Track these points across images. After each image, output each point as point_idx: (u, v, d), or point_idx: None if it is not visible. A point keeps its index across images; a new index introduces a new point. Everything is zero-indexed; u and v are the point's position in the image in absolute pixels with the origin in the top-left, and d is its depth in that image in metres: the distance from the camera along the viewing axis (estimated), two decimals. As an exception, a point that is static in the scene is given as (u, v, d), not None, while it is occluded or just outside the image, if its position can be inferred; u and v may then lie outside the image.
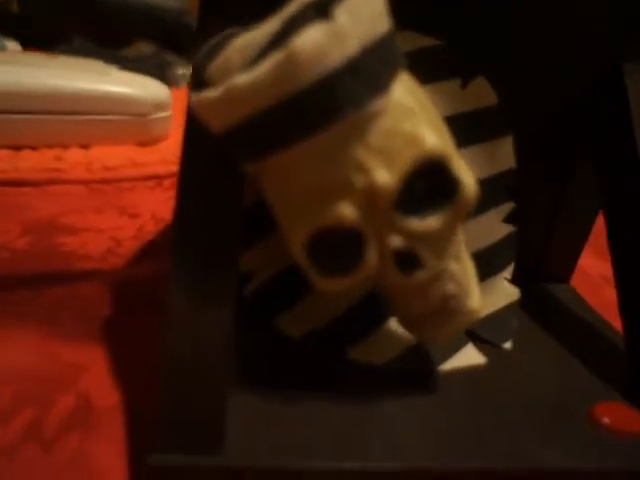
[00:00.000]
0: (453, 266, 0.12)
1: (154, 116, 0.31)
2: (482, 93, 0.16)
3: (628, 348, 0.15)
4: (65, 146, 0.29)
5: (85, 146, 0.29)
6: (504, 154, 0.17)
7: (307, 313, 0.15)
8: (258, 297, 0.16)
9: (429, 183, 0.11)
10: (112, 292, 0.18)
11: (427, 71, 0.15)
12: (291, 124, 0.10)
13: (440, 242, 0.12)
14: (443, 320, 0.13)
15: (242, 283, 0.16)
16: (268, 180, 0.12)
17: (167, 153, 0.31)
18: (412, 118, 0.11)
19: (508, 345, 0.16)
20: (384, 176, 0.11)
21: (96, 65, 0.30)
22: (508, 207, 0.18)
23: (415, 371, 0.14)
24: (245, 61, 0.11)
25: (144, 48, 0.57)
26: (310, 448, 0.11)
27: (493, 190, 0.17)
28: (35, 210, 0.23)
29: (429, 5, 0.15)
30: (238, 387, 0.13)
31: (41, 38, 0.61)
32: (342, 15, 0.10)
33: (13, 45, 0.47)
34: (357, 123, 0.10)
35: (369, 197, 0.11)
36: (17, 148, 0.28)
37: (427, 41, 0.15)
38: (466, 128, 0.16)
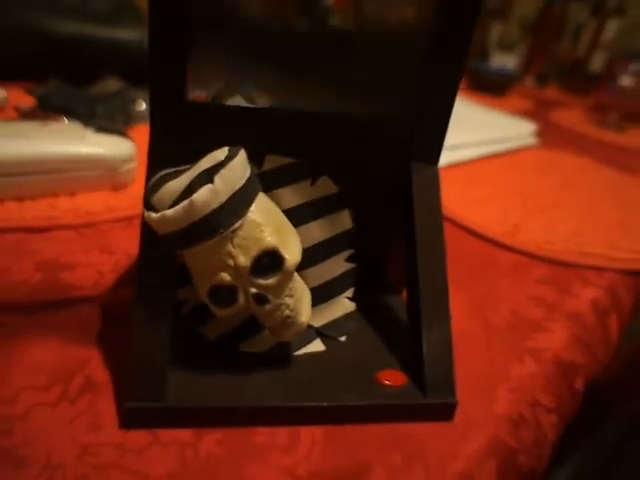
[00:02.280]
0: (288, 300, 0.23)
1: (123, 168, 0.41)
2: (326, 186, 0.28)
3: (410, 336, 0.27)
4: (56, 195, 0.39)
5: (72, 194, 0.40)
6: (343, 222, 0.29)
7: (217, 325, 0.26)
8: (189, 314, 0.27)
9: (269, 260, 0.22)
10: (101, 310, 0.29)
11: (287, 177, 0.26)
12: (193, 237, 0.21)
13: (278, 289, 0.23)
14: (287, 329, 0.24)
15: (180, 306, 0.27)
16: (187, 259, 0.23)
17: (134, 196, 0.41)
18: (258, 227, 0.22)
19: (343, 338, 0.28)
20: (242, 260, 0.22)
21: (76, 129, 0.40)
22: (348, 252, 0.29)
23: (279, 355, 0.26)
24: (171, 200, 0.22)
25: (112, 85, 0.66)
26: (216, 394, 0.23)
27: (335, 244, 0.29)
28: (41, 252, 0.34)
29: (288, 142, 0.26)
30: (177, 365, 0.24)
31: (17, 77, 0.69)
32: (218, 181, 0.21)
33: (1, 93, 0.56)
34: (227, 234, 0.22)
35: (236, 269, 0.22)
36: (20, 199, 0.38)
37: (287, 160, 0.26)
38: (315, 209, 0.28)
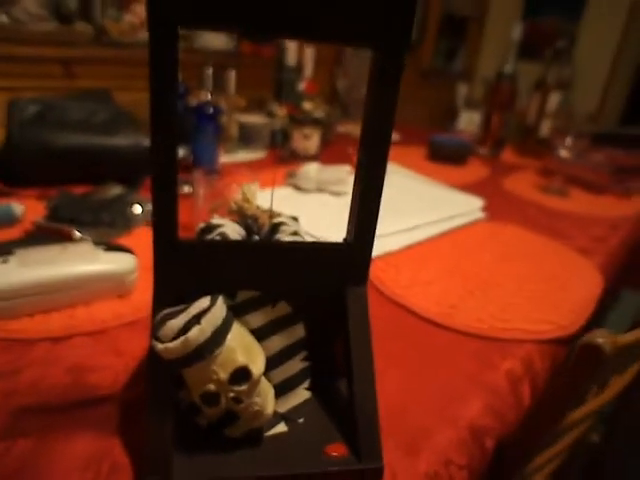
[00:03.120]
0: (256, 399, 0.33)
1: (128, 279, 0.52)
2: (283, 308, 0.38)
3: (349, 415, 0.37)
4: (74, 307, 0.49)
5: (87, 304, 0.50)
6: (297, 332, 0.39)
7: (206, 417, 0.36)
8: (186, 409, 0.36)
9: (241, 374, 0.32)
10: (119, 406, 0.39)
11: (254, 305, 0.37)
12: (187, 361, 0.32)
13: (249, 393, 0.33)
14: (257, 419, 0.34)
15: (179, 403, 0.37)
16: (184, 373, 0.33)
17: (136, 302, 0.52)
18: (232, 351, 0.32)
19: (301, 420, 0.38)
20: (222, 375, 0.32)
21: (89, 250, 0.51)
22: (303, 354, 0.39)
23: (253, 437, 0.35)
24: (172, 335, 0.32)
25: (112, 190, 0.77)
26: (208, 469, 0.32)
27: (293, 349, 0.39)
28: (67, 358, 0.43)
29: (253, 276, 0.37)
30: (179, 447, 0.33)
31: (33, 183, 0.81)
32: (204, 323, 0.32)
33: (19, 208, 0.67)
34: (212, 358, 0.32)
35: (218, 381, 0.32)
36: (46, 312, 0.48)
37: (253, 293, 0.37)
38: (276, 326, 0.38)
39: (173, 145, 0.32)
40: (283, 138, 1.20)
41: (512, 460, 0.43)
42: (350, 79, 1.85)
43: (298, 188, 0.92)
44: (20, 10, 1.11)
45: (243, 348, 0.33)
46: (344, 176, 0.90)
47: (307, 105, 1.30)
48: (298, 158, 1.14)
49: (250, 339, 0.35)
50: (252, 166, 1.08)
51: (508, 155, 1.51)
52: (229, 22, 0.30)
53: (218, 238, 0.40)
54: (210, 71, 1.11)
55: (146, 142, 0.91)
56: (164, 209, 0.34)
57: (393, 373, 0.47)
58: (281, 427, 0.37)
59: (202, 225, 0.44)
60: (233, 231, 0.42)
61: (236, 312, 0.36)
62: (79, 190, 0.82)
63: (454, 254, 0.74)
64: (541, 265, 0.74)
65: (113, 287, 0.52)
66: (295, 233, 0.43)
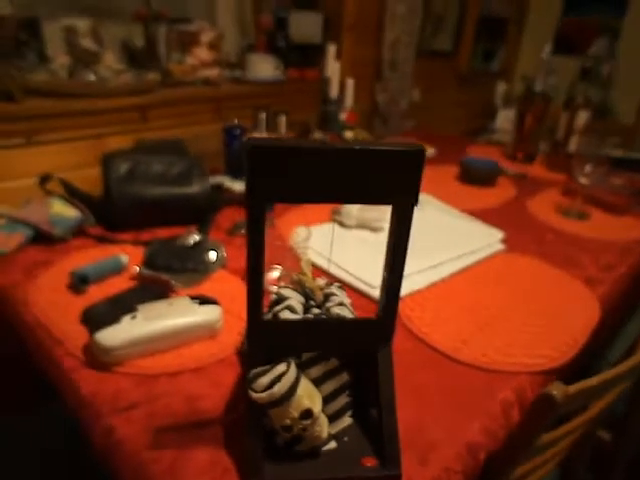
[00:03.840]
0: (317, 428, 0.52)
1: (217, 325, 0.71)
2: (333, 363, 0.56)
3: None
4: (179, 348, 0.69)
5: (189, 346, 0.69)
6: (343, 377, 0.57)
7: (282, 438, 0.54)
8: (269, 432, 0.55)
9: (307, 412, 0.50)
10: (222, 424, 0.58)
11: (313, 362, 0.55)
12: (272, 405, 0.50)
13: (312, 425, 0.51)
14: (316, 440, 0.52)
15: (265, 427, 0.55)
16: (269, 412, 0.51)
17: (223, 343, 0.71)
18: (301, 398, 0.50)
19: (346, 439, 0.56)
20: (295, 414, 0.50)
21: (189, 305, 0.70)
22: (347, 392, 0.57)
23: (313, 452, 0.54)
24: (262, 389, 0.50)
25: (192, 237, 0.97)
26: (285, 474, 0.51)
27: (340, 390, 0.57)
28: (183, 389, 0.62)
29: (313, 344, 0.54)
30: (266, 457, 0.52)
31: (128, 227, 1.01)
32: (283, 382, 0.50)
33: (124, 258, 0.87)
34: (287, 404, 0.50)
35: (292, 418, 0.50)
36: (162, 353, 0.68)
37: (313, 354, 0.55)
38: (328, 375, 0.56)
39: (261, 265, 0.50)
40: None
41: (497, 469, 0.59)
42: (389, 93, 1.98)
43: (341, 224, 1.09)
44: (103, 67, 1.31)
45: (308, 395, 0.51)
46: (382, 215, 1.05)
47: (348, 134, 1.46)
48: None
49: (311, 387, 0.53)
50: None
51: (537, 169, 1.61)
52: (300, 198, 0.47)
53: (287, 311, 0.58)
54: (264, 115, 1.28)
55: (210, 187, 1.09)
56: (255, 302, 0.52)
57: (412, 399, 0.64)
58: (332, 444, 0.55)
59: (274, 296, 0.62)
60: (297, 302, 0.60)
61: (301, 367, 0.54)
62: (162, 233, 1.02)
63: (471, 290, 0.89)
64: (548, 298, 0.88)
65: (207, 331, 0.71)
66: (341, 303, 0.61)
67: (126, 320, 0.67)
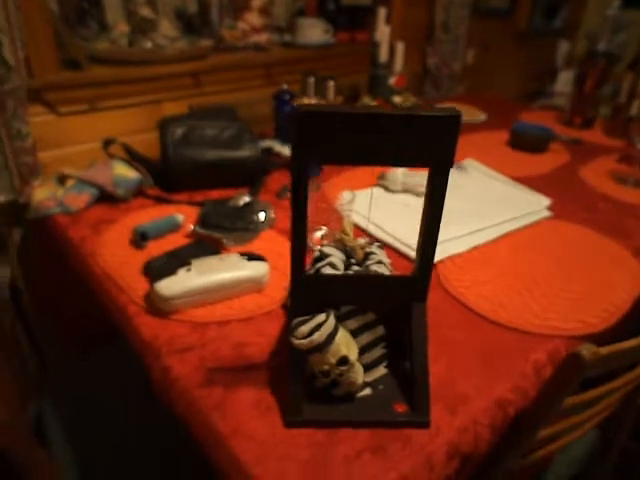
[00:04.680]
0: (352, 374, 0.56)
1: (264, 280, 0.76)
2: (370, 316, 0.60)
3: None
4: (231, 299, 0.74)
5: (238, 298, 0.75)
6: (379, 331, 0.60)
7: (321, 383, 0.59)
8: (310, 377, 0.60)
9: (344, 359, 0.55)
10: (267, 368, 0.63)
11: (351, 315, 0.59)
12: (311, 351, 0.55)
13: (348, 371, 0.55)
14: (353, 386, 0.57)
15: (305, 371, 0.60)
16: (309, 358, 0.55)
17: (270, 296, 0.76)
18: (338, 347, 0.55)
19: (381, 387, 0.60)
20: (332, 360, 0.55)
21: (238, 261, 0.75)
22: (383, 344, 0.61)
23: (350, 396, 0.58)
24: (303, 336, 0.54)
25: (242, 199, 1.01)
26: (325, 413, 0.56)
27: (376, 342, 0.61)
28: (233, 337, 0.68)
29: (352, 296, 0.58)
30: (307, 398, 0.57)
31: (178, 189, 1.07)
32: (322, 331, 0.54)
33: (180, 218, 0.93)
34: (326, 350, 0.54)
35: (330, 364, 0.55)
36: (212, 304, 0.74)
37: (350, 307, 0.59)
38: (365, 327, 0.60)
39: (303, 223, 0.54)
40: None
41: (526, 427, 0.62)
42: (441, 56, 1.93)
43: (387, 189, 1.11)
44: (159, 35, 1.36)
45: (345, 344, 0.55)
46: (425, 180, 1.06)
47: (396, 98, 1.45)
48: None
49: (349, 337, 0.57)
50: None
51: (595, 135, 1.55)
52: (341, 160, 0.50)
53: (328, 267, 0.61)
54: (312, 80, 1.30)
55: (260, 151, 1.13)
56: (298, 258, 0.56)
57: (445, 355, 0.67)
58: (367, 391, 0.59)
59: (317, 254, 0.66)
60: (338, 259, 0.64)
61: (340, 319, 0.58)
62: (215, 194, 1.07)
63: (512, 255, 0.90)
64: (592, 266, 0.87)
65: (255, 286, 0.76)
66: (380, 262, 0.64)
67: (182, 272, 0.73)
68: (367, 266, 0.64)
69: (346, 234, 0.68)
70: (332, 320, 0.55)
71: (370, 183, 1.14)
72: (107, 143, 1.11)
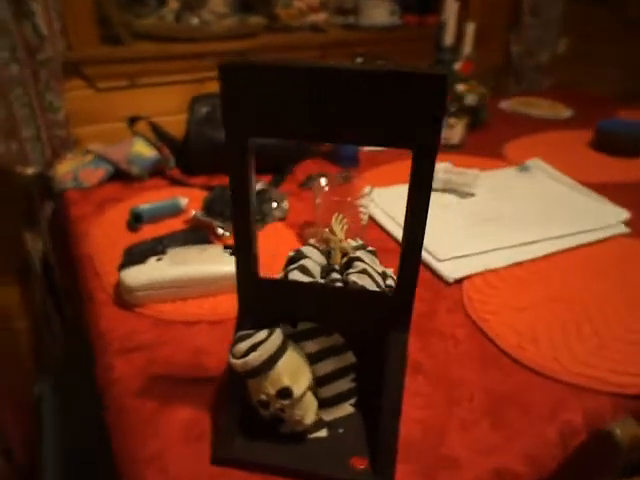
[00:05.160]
0: (297, 411, 0.44)
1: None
2: (336, 339, 0.47)
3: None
4: (204, 297, 0.65)
5: (213, 296, 0.65)
6: (348, 358, 0.47)
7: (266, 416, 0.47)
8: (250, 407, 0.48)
9: (286, 392, 0.43)
10: (218, 384, 0.53)
11: (312, 335, 0.46)
12: (248, 376, 0.43)
13: (290, 406, 0.43)
14: (297, 425, 0.44)
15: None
16: (247, 384, 0.44)
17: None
18: (280, 374, 0.43)
19: (341, 430, 0.47)
20: (271, 390, 0.43)
21: (220, 254, 0.65)
22: (352, 376, 0.48)
23: (299, 436, 0.46)
24: (239, 355, 0.43)
25: (257, 185, 0.92)
26: (262, 454, 0.44)
27: (344, 371, 0.47)
28: (193, 340, 0.59)
29: (313, 312, 0.46)
30: (245, 429, 0.46)
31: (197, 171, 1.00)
32: (260, 351, 0.42)
33: (183, 202, 0.85)
34: (263, 376, 0.42)
35: (268, 395, 0.43)
36: (183, 300, 0.64)
37: (312, 324, 0.46)
38: (329, 352, 0.47)
39: (247, 215, 0.43)
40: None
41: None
42: (526, 44, 1.70)
43: (425, 186, 0.95)
44: (208, 11, 1.30)
45: (290, 372, 0.43)
46: (470, 180, 0.90)
47: (460, 87, 1.28)
48: (441, 148, 1.14)
49: (300, 364, 0.45)
50: (392, 155, 1.12)
51: None
52: (287, 133, 0.38)
53: (297, 272, 0.50)
54: (360, 62, 1.17)
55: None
56: (243, 258, 0.45)
57: (443, 398, 0.52)
58: (323, 433, 0.47)
59: (291, 253, 0.54)
60: (314, 263, 0.52)
61: (296, 338, 0.46)
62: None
63: (565, 277, 0.71)
64: (672, 302, 0.67)
65: (233, 284, 0.65)
66: (364, 271, 0.51)
67: (151, 262, 0.64)
68: (347, 274, 0.51)
69: (333, 233, 0.56)
70: (276, 340, 0.43)
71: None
72: (132, 120, 1.06)
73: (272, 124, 0.38)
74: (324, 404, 0.47)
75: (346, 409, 0.49)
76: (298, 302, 0.47)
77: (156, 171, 1.01)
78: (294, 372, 0.44)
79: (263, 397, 0.43)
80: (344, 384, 0.48)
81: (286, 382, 0.43)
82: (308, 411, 0.45)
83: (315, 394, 0.47)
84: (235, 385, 0.46)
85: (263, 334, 0.43)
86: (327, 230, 0.56)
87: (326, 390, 0.48)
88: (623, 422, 0.37)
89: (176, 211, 0.85)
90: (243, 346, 0.43)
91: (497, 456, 0.47)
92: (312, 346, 0.47)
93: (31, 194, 1.14)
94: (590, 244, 0.79)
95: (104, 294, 0.67)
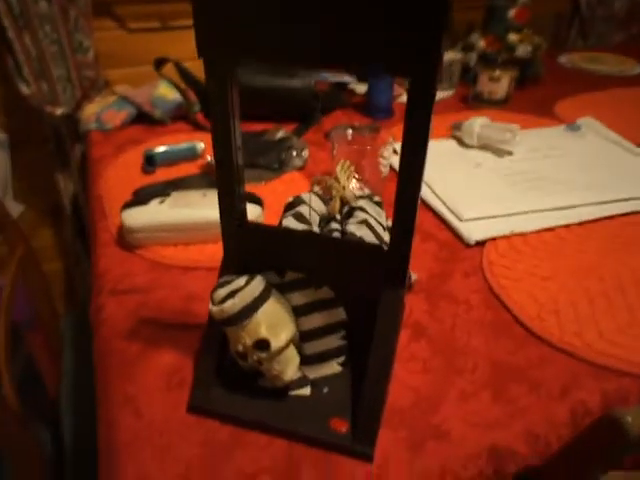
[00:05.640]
0: (275, 366, 0.41)
1: (249, 227, 0.62)
2: (326, 292, 0.43)
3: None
4: (205, 243, 0.62)
5: (214, 242, 0.62)
6: (338, 314, 0.44)
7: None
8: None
9: (263, 344, 0.40)
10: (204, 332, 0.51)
11: (300, 286, 0.43)
12: (225, 324, 0.40)
13: (268, 359, 0.40)
14: (276, 381, 0.42)
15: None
16: (226, 332, 0.41)
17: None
18: (258, 325, 0.40)
19: (325, 389, 0.44)
20: (248, 341, 0.40)
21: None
22: (342, 333, 0.44)
23: (279, 391, 0.43)
24: (218, 301, 0.40)
25: (279, 133, 0.87)
26: (237, 407, 0.42)
27: (333, 327, 0.44)
28: (187, 287, 0.57)
29: (302, 261, 0.42)
30: (224, 380, 0.43)
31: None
32: (237, 299, 0.39)
33: (200, 147, 0.82)
34: (240, 326, 0.40)
35: (245, 345, 0.40)
36: (185, 245, 0.62)
37: (300, 275, 0.43)
38: (317, 306, 0.43)
39: (229, 157, 0.39)
40: (474, 77, 1.11)
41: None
42: (597, -8, 1.53)
43: (460, 142, 0.88)
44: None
45: (269, 324, 0.40)
46: (509, 137, 0.82)
47: (512, 37, 1.16)
48: (482, 103, 1.05)
49: (282, 316, 0.41)
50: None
51: None
52: (262, 55, 0.34)
53: (291, 218, 0.46)
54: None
55: (313, 82, 0.97)
56: (226, 202, 0.41)
57: (444, 365, 0.48)
58: (305, 390, 0.44)
59: (290, 199, 0.50)
60: (312, 211, 0.48)
61: (282, 289, 0.43)
62: (259, 127, 0.94)
63: (601, 247, 0.64)
64: None
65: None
66: (364, 222, 0.46)
67: (153, 204, 0.62)
68: (346, 225, 0.47)
69: (337, 180, 0.51)
70: (256, 288, 0.40)
71: (445, 134, 0.91)
72: (159, 62, 1.03)
73: (254, 44, 0.34)
74: (309, 360, 0.44)
75: (333, 368, 0.46)
76: (286, 250, 0.43)
77: (180, 115, 0.99)
78: (274, 324, 0.41)
79: (240, 347, 0.41)
80: (332, 341, 0.45)
81: (264, 333, 0.40)
82: (288, 366, 0.42)
83: (299, 349, 0.44)
84: (213, 332, 0.44)
85: (242, 281, 0.40)
86: (332, 177, 0.52)
87: (312, 346, 0.44)
88: (635, 408, 0.32)
89: (192, 156, 0.82)
90: (222, 292, 0.40)
91: (495, 432, 0.43)
92: (299, 298, 0.43)
93: (61, 135, 1.15)
94: (633, 213, 0.71)
95: (108, 234, 0.66)
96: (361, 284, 0.42)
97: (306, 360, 0.44)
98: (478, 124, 0.84)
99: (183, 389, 0.45)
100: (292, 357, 0.42)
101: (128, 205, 0.63)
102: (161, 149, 0.80)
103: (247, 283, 0.40)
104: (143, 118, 0.96)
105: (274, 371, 0.41)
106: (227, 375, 0.45)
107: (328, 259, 0.42)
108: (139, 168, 0.81)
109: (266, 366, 0.41)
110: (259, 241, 0.43)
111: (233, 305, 0.39)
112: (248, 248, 0.44)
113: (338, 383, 0.45)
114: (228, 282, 0.41)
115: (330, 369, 0.45)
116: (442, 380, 0.47)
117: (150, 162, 0.78)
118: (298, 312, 0.43)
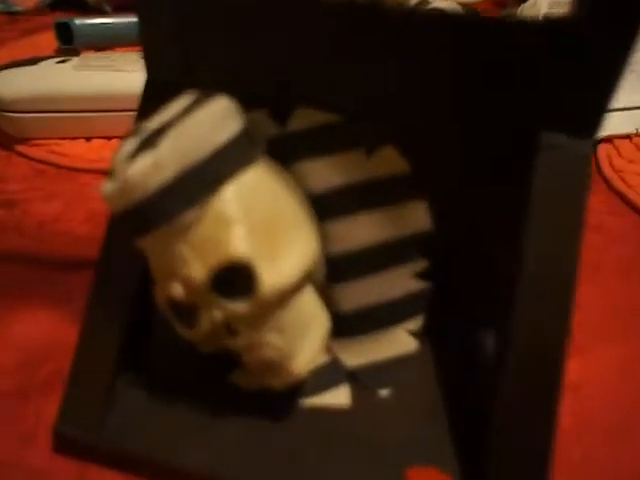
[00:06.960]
0: (271, 337, 0.15)
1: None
2: (390, 161, 0.18)
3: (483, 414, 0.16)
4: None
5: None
6: (414, 218, 0.18)
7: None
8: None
9: (237, 277, 0.14)
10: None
11: (327, 143, 0.17)
12: (132, 224, 0.15)
13: (252, 319, 0.15)
14: (272, 376, 0.16)
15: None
16: (147, 256, 0.16)
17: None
18: (226, 225, 0.14)
19: (385, 392, 0.19)
20: (196, 268, 0.14)
21: (135, 60, 0.36)
22: (419, 265, 0.19)
23: (275, 401, 0.18)
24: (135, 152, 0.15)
25: None
26: (164, 444, 0.17)
27: (400, 250, 0.19)
28: (94, 200, 0.31)
29: (329, 80, 0.16)
30: (132, 387, 0.18)
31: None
32: (165, 147, 0.14)
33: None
34: (177, 228, 0.14)
35: (192, 281, 0.15)
36: (89, 138, 0.36)
37: (328, 116, 0.17)
38: (370, 194, 0.18)
39: None
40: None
41: None
42: None
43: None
44: None
45: (256, 224, 0.15)
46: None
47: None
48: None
49: (285, 211, 0.16)
50: None
51: None
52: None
53: None
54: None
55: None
56: None
57: (612, 351, 0.23)
58: (340, 395, 0.19)
59: None
60: None
61: (287, 151, 0.18)
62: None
63: None
64: None
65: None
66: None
67: (47, 64, 0.36)
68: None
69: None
70: (220, 113, 0.15)
71: None
72: None
73: None
74: (350, 327, 0.19)
75: (399, 341, 0.20)
76: (284, 40, 0.17)
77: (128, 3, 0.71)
78: (269, 228, 0.15)
79: (177, 288, 0.15)
80: (400, 282, 0.19)
81: (242, 248, 0.14)
82: (305, 341, 0.16)
83: (328, 299, 0.18)
84: (118, 265, 0.18)
85: (182, 102, 0.15)
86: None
87: (355, 292, 0.19)
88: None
89: (137, 38, 0.55)
90: (126, 149, 0.15)
91: None
92: (325, 173, 0.18)
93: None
94: None
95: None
96: (477, 131, 0.17)
97: (343, 326, 0.19)
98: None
99: (55, 387, 0.20)
100: (311, 317, 0.17)
101: (5, 67, 0.36)
102: (85, 21, 0.53)
103: (198, 105, 0.14)
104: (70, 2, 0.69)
105: (270, 351, 0.16)
106: (152, 368, 0.19)
107: (401, 69, 0.17)
108: (53, 51, 0.54)
109: (246, 337, 0.15)
110: (221, 15, 0.17)
111: (156, 167, 0.14)
112: (199, 38, 0.18)
113: (410, 377, 0.20)
114: (150, 121, 0.15)
115: (393, 345, 0.20)
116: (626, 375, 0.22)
117: (65, 37, 0.51)
118: (324, 209, 0.18)
